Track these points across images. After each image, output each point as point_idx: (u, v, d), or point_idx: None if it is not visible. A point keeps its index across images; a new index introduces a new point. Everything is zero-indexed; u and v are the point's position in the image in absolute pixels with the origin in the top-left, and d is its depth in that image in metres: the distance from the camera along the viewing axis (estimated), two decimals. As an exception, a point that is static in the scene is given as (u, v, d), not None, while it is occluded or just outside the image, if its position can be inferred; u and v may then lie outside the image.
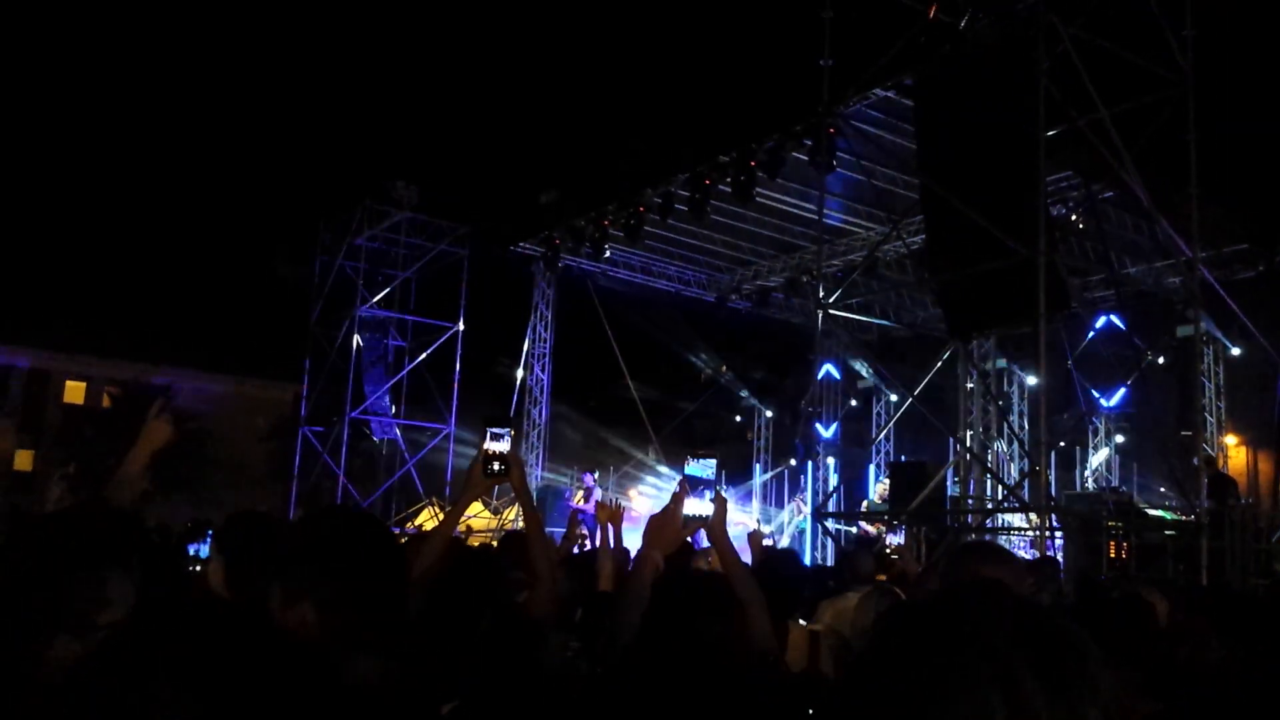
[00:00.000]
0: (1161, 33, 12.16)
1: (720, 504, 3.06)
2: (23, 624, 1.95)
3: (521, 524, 4.88)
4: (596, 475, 20.90)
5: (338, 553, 2.09)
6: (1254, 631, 3.00)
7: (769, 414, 26.45)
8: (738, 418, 29.25)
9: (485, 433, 3.22)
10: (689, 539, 5.14)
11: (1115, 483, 19.38)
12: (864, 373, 22.96)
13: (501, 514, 21.09)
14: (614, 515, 5.57)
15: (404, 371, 24.53)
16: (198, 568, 3.59)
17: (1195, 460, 13.77)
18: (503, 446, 3.21)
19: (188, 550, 4.01)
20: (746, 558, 4.34)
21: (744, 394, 27.79)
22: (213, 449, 36.37)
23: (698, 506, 3.01)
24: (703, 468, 3.04)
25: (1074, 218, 16.00)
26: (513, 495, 6.16)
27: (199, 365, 40.27)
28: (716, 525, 3.06)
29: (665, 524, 3.03)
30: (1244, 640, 2.94)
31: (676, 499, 3.03)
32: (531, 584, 3.44)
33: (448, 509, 5.38)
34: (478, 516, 19.97)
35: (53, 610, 1.99)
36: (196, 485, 33.34)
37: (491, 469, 3.21)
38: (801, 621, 4.54)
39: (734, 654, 2.49)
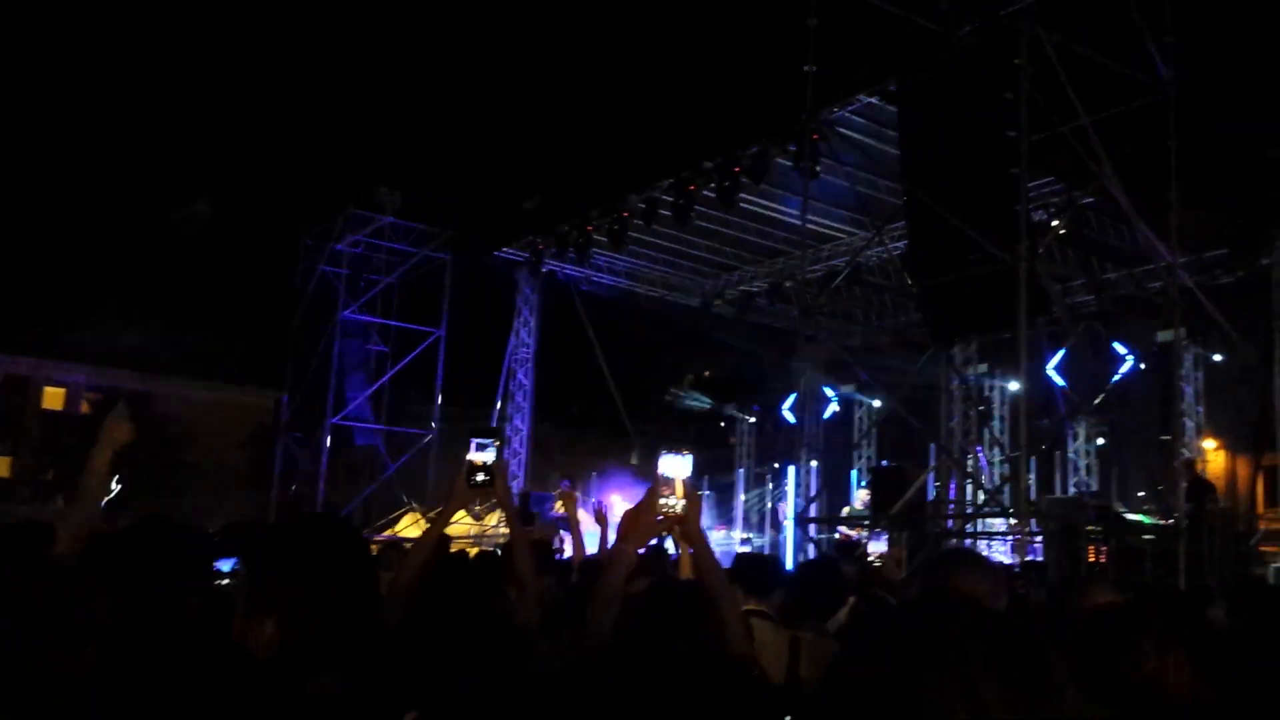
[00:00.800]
0: (1143, 40, 12.25)
1: (694, 502, 2.98)
2: (22, 639, 1.93)
3: (504, 529, 4.99)
4: (575, 483, 20.92)
5: (303, 569, 2.04)
6: (1200, 638, 2.98)
7: (751, 419, 26.45)
8: (720, 423, 29.24)
9: (470, 443, 3.21)
10: (666, 546, 5.19)
11: (1095, 487, 19.48)
12: (846, 378, 22.95)
13: (483, 520, 21.04)
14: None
15: (386, 377, 24.45)
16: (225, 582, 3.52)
17: (1175, 464, 13.87)
18: (488, 457, 3.20)
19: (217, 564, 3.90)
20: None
21: (727, 399, 27.75)
22: (193, 455, 36.18)
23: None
24: (677, 463, 2.98)
25: (1055, 223, 16.09)
26: (495, 502, 6.24)
27: (179, 371, 39.98)
28: (691, 523, 2.98)
29: (639, 518, 2.96)
30: (1188, 647, 2.92)
31: (652, 493, 2.94)
32: (517, 591, 3.45)
33: (432, 516, 5.42)
34: (460, 523, 19.92)
35: (46, 623, 1.97)
36: (177, 492, 33.16)
37: (476, 479, 3.19)
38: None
39: (711, 663, 2.47)
